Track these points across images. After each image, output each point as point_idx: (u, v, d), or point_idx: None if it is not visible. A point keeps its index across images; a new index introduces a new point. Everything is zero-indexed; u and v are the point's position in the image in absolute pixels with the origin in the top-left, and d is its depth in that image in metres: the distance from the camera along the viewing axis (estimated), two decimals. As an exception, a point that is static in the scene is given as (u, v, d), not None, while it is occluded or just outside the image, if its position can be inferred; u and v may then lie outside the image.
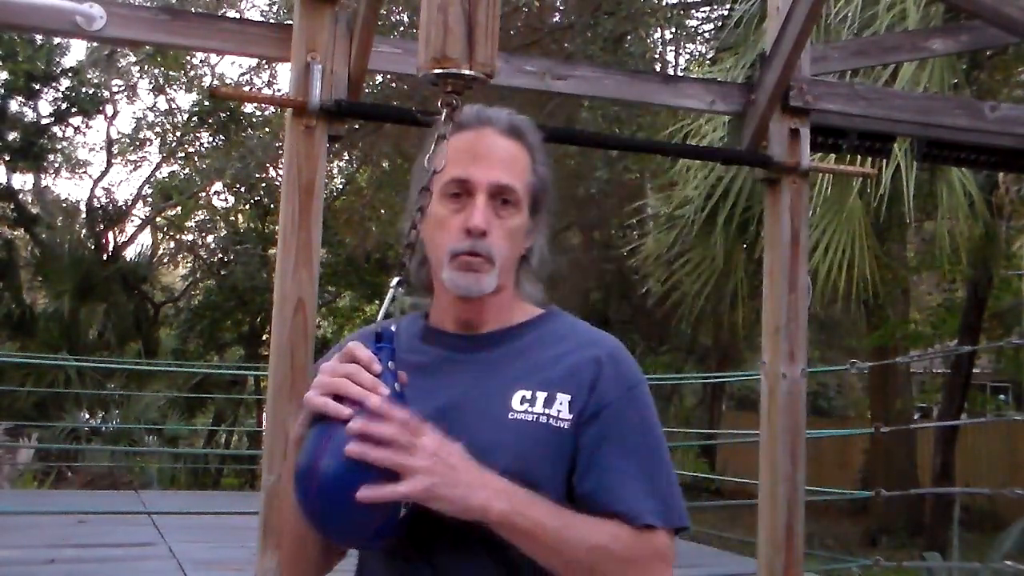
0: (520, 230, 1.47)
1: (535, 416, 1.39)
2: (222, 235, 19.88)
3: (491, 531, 1.32)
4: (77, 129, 19.18)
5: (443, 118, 1.39)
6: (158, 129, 19.90)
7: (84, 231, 19.09)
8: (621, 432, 1.40)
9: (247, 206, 19.42)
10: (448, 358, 1.46)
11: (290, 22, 2.74)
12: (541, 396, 1.40)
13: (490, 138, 1.47)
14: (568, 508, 1.35)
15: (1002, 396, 17.23)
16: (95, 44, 15.13)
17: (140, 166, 20.74)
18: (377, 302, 20.12)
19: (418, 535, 1.35)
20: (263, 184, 17.40)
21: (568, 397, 1.40)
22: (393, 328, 1.35)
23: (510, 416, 1.39)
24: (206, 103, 17.71)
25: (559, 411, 1.39)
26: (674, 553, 1.40)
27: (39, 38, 15.46)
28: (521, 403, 1.40)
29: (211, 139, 18.86)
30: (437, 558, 1.37)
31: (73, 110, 17.97)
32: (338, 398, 1.27)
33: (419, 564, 1.37)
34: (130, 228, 20.67)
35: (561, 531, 1.31)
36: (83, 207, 19.95)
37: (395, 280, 1.38)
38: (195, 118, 18.69)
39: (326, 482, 1.24)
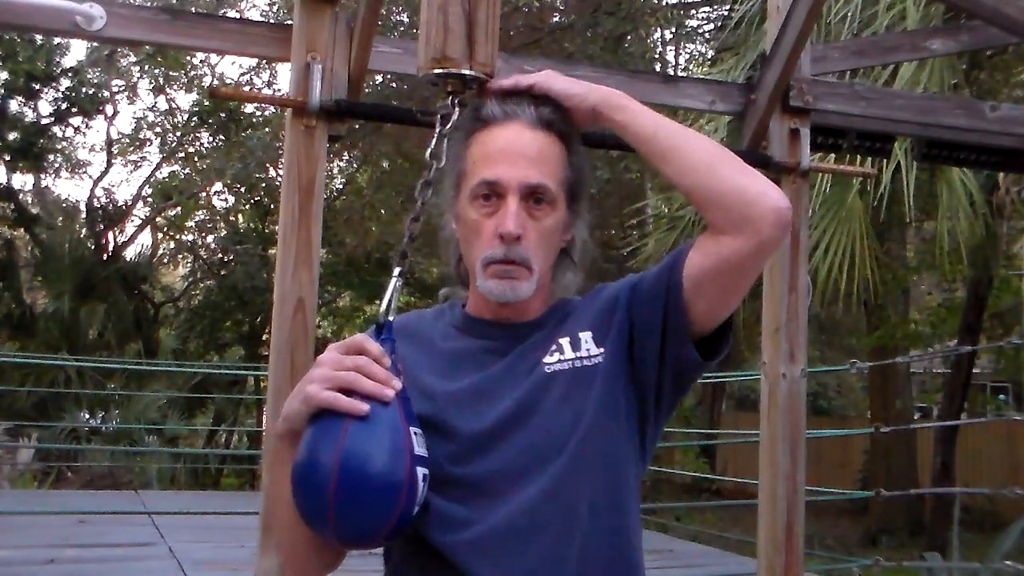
0: (556, 228, 1.41)
1: (570, 363, 1.37)
2: (222, 235, 19.87)
3: (530, 534, 1.29)
4: (77, 129, 19.18)
5: (446, 117, 1.39)
6: (158, 129, 19.90)
7: (84, 231, 19.08)
8: (648, 274, 1.41)
9: (247, 206, 19.41)
10: (484, 347, 1.42)
11: (290, 22, 2.74)
12: (565, 342, 1.39)
13: (519, 133, 1.39)
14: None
15: (1002, 396, 17.22)
16: (95, 44, 15.13)
17: (140, 166, 20.76)
18: (377, 302, 20.08)
19: (454, 542, 1.30)
20: (263, 184, 17.39)
21: (589, 334, 1.39)
22: (392, 319, 1.32)
23: (545, 370, 1.37)
24: (206, 103, 17.70)
25: (588, 349, 1.38)
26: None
27: (39, 38, 15.44)
28: (553, 359, 1.38)
29: (211, 139, 18.85)
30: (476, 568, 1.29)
31: (73, 110, 17.95)
32: (346, 392, 1.21)
33: (503, 563, 1.29)
34: (130, 228, 20.68)
35: (684, 129, 1.36)
36: (83, 207, 19.94)
37: (396, 271, 1.36)
38: (195, 118, 18.68)
39: (347, 479, 1.17)
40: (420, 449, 1.24)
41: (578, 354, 1.37)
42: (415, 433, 1.24)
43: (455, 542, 1.30)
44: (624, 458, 1.38)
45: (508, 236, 1.35)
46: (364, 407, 1.20)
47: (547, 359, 1.38)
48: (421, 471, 1.23)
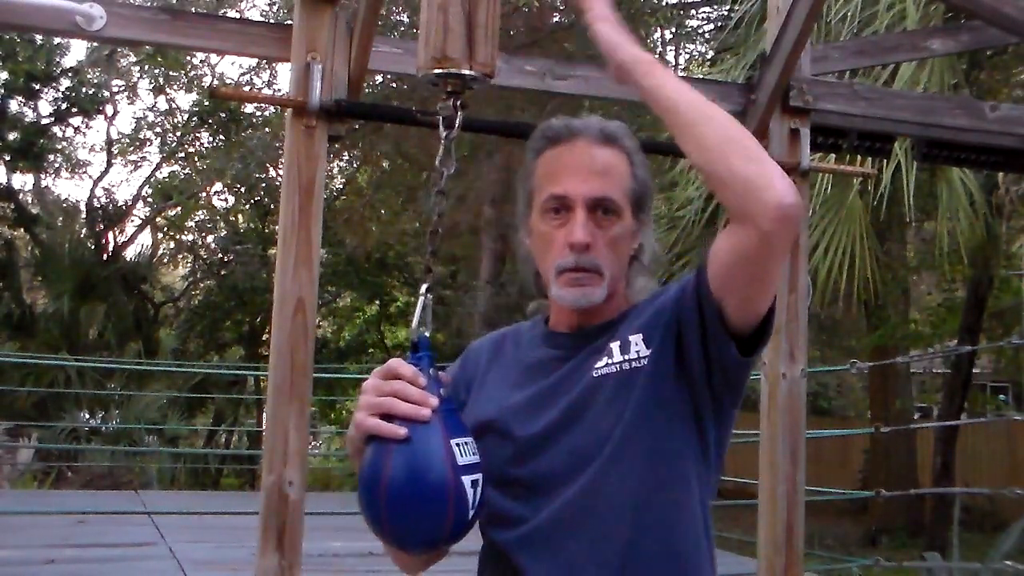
0: (624, 237, 1.48)
1: (618, 366, 1.42)
2: (222, 235, 19.87)
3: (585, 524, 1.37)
4: (77, 129, 19.19)
5: (449, 120, 1.40)
6: (158, 129, 19.90)
7: (84, 231, 19.08)
8: (689, 285, 1.42)
9: (247, 206, 19.41)
10: (555, 356, 1.50)
11: (290, 22, 2.75)
12: (615, 346, 1.44)
13: (583, 149, 1.47)
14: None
15: (1002, 396, 17.22)
16: (95, 44, 15.12)
17: (140, 166, 20.76)
18: (377, 302, 20.13)
19: (506, 538, 1.41)
20: (263, 184, 17.39)
21: (639, 335, 1.43)
22: (427, 333, 1.36)
23: (594, 374, 1.43)
24: (206, 103, 17.69)
25: (637, 351, 1.42)
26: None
27: (39, 38, 15.45)
28: (602, 363, 1.44)
29: (211, 139, 18.86)
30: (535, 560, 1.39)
31: (73, 110, 17.95)
32: (387, 416, 1.29)
33: (548, 558, 1.39)
34: (130, 228, 20.69)
35: (702, 98, 1.33)
36: (83, 207, 19.94)
37: (424, 287, 1.39)
38: (195, 118, 18.68)
39: (395, 499, 1.27)
40: (465, 458, 1.30)
41: (626, 356, 1.43)
42: (458, 444, 1.30)
43: (507, 539, 1.42)
44: (675, 453, 1.42)
45: (578, 245, 1.43)
46: (401, 431, 1.27)
47: (597, 364, 1.44)
48: (468, 479, 1.30)
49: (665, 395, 1.41)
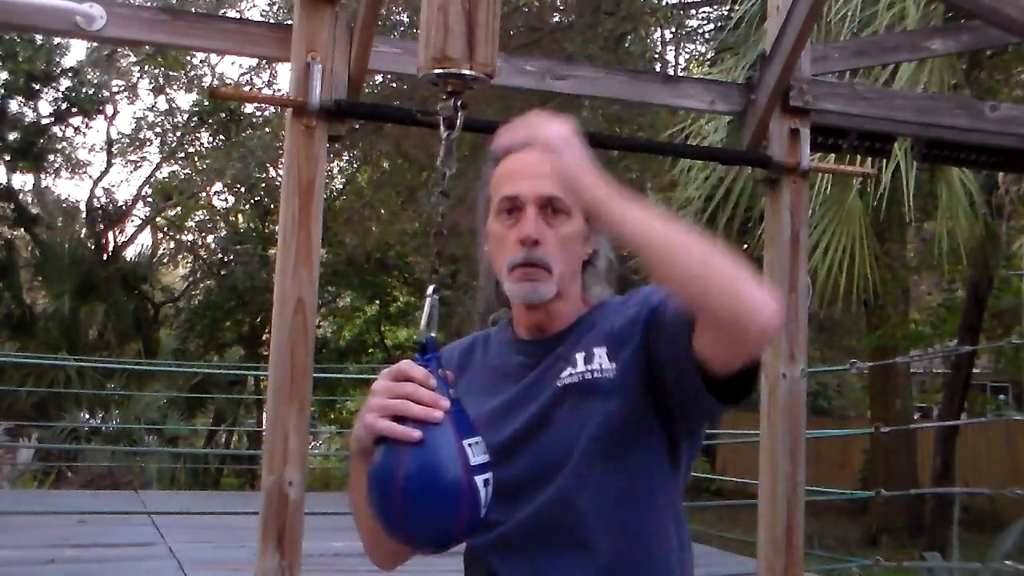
0: (574, 236, 1.52)
1: (580, 376, 1.46)
2: (222, 235, 19.86)
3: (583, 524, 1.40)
4: (77, 129, 19.16)
5: (449, 123, 1.40)
6: (158, 129, 19.88)
7: (84, 231, 19.08)
8: (669, 308, 1.40)
9: (247, 206, 19.40)
10: (521, 363, 1.54)
11: (290, 22, 2.75)
12: (580, 357, 1.47)
13: (534, 154, 1.48)
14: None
15: (1002, 396, 17.22)
16: (95, 44, 15.12)
17: (140, 166, 20.73)
18: (377, 302, 20.12)
19: (481, 542, 1.45)
20: (263, 184, 17.38)
21: (604, 348, 1.46)
22: (435, 335, 1.37)
23: (558, 383, 1.46)
24: (206, 103, 17.68)
25: (600, 364, 1.45)
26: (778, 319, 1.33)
27: (39, 38, 15.43)
28: (566, 373, 1.47)
29: (211, 139, 18.84)
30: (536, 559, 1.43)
31: (73, 110, 17.94)
32: (399, 418, 1.30)
33: (519, 563, 1.44)
34: (130, 228, 20.67)
35: (676, 227, 1.31)
36: (83, 207, 19.94)
37: (430, 288, 1.40)
38: (195, 118, 18.66)
39: (410, 500, 1.29)
40: (477, 458, 1.33)
41: (589, 367, 1.46)
42: (470, 444, 1.32)
43: (482, 542, 1.46)
44: (643, 466, 1.45)
45: (527, 240, 1.47)
46: (416, 434, 1.29)
47: (562, 373, 1.48)
48: (481, 478, 1.32)
49: (630, 411, 1.44)
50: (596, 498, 1.42)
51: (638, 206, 1.33)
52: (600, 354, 1.46)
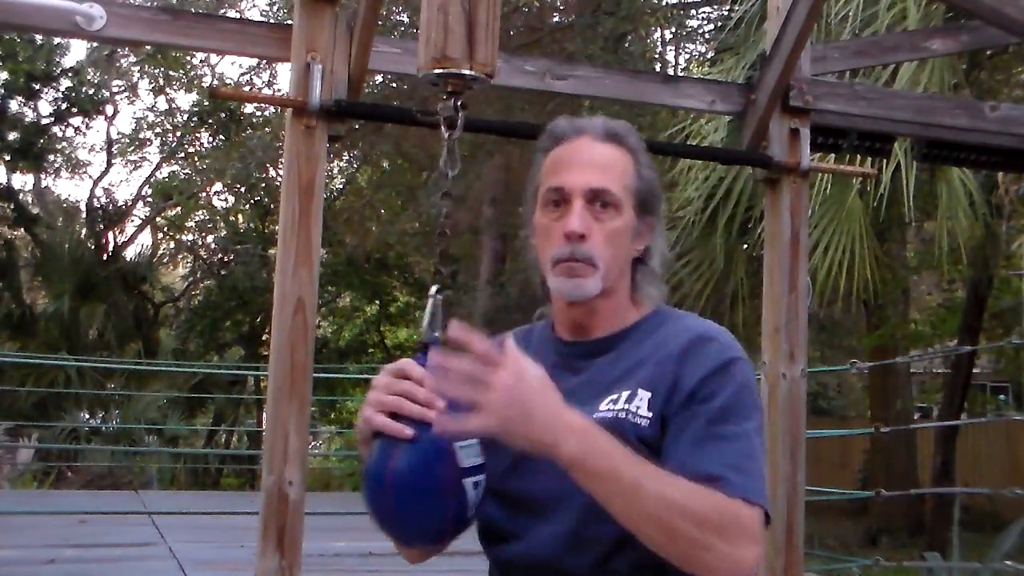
0: (623, 232, 1.46)
1: (615, 413, 1.38)
2: (222, 235, 19.87)
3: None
4: (77, 129, 19.17)
5: (449, 124, 1.40)
6: (158, 129, 19.90)
7: (84, 231, 19.07)
8: (706, 411, 1.35)
9: (247, 206, 19.40)
10: (560, 364, 1.46)
11: (290, 22, 2.75)
12: (625, 394, 1.40)
13: (585, 145, 1.48)
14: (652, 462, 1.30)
15: (1002, 396, 17.21)
16: (95, 44, 15.12)
17: (140, 166, 20.76)
18: (377, 302, 20.13)
19: (496, 552, 1.44)
20: (263, 184, 17.38)
21: (649, 394, 1.38)
22: (438, 335, 1.37)
23: (593, 415, 1.36)
24: (206, 103, 17.69)
25: (638, 407, 1.38)
26: (762, 536, 1.32)
27: (39, 38, 15.44)
28: (607, 404, 1.40)
29: (211, 139, 18.85)
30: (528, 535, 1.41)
31: (73, 110, 17.94)
32: (395, 415, 1.30)
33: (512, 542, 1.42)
34: (130, 228, 20.69)
35: (638, 480, 1.25)
36: (83, 207, 19.95)
37: (433, 288, 1.39)
38: (195, 118, 18.67)
39: (397, 496, 1.31)
40: (469, 461, 1.33)
41: (628, 406, 1.39)
42: (462, 447, 1.32)
43: (502, 554, 1.45)
44: None
45: (572, 234, 1.41)
46: (407, 431, 1.30)
47: (601, 404, 1.40)
48: (470, 480, 1.33)
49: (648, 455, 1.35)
50: (614, 527, 1.31)
51: (602, 450, 1.24)
52: (643, 397, 1.39)
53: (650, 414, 1.37)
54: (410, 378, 1.32)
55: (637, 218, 1.48)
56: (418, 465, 1.30)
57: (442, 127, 1.41)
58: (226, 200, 20.30)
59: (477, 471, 1.34)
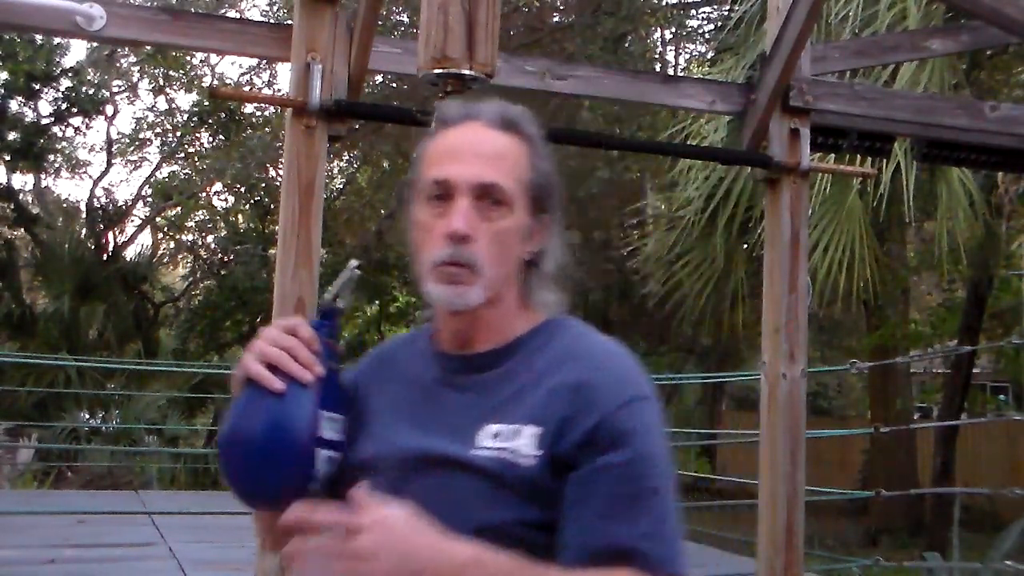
0: (514, 232, 1.29)
1: (496, 452, 1.21)
2: (222, 235, 19.88)
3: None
4: (77, 129, 19.17)
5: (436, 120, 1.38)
6: (158, 129, 19.91)
7: (84, 231, 19.08)
8: (609, 465, 1.19)
9: (247, 206, 19.41)
10: (441, 380, 1.32)
11: (290, 22, 2.75)
12: (509, 429, 1.22)
13: (476, 133, 1.30)
14: (546, 565, 1.16)
15: (1002, 396, 17.22)
16: (95, 44, 15.13)
17: (140, 166, 20.77)
18: (377, 302, 20.14)
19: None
20: (263, 184, 17.40)
21: (537, 430, 1.21)
22: (341, 305, 1.36)
23: (471, 453, 1.22)
24: (206, 103, 17.70)
25: (522, 445, 1.21)
26: None
27: (39, 38, 15.44)
28: (489, 437, 1.23)
29: (211, 139, 18.86)
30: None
31: (73, 110, 17.94)
32: (273, 368, 1.27)
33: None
34: (130, 228, 20.70)
35: None
36: (83, 207, 19.95)
37: (354, 262, 1.36)
38: (195, 118, 18.68)
39: (249, 440, 1.28)
40: (329, 433, 1.30)
41: (509, 444, 1.22)
42: (328, 418, 1.30)
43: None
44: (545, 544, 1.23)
45: (455, 235, 1.25)
46: (279, 384, 1.27)
47: (479, 437, 1.23)
48: (325, 453, 1.29)
49: (530, 519, 1.21)
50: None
51: (493, 566, 1.11)
52: (529, 435, 1.21)
53: (538, 452, 1.20)
54: (297, 337, 1.29)
55: (531, 216, 1.31)
56: (278, 419, 1.27)
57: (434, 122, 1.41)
58: (226, 200, 20.33)
59: (335, 447, 1.31)
